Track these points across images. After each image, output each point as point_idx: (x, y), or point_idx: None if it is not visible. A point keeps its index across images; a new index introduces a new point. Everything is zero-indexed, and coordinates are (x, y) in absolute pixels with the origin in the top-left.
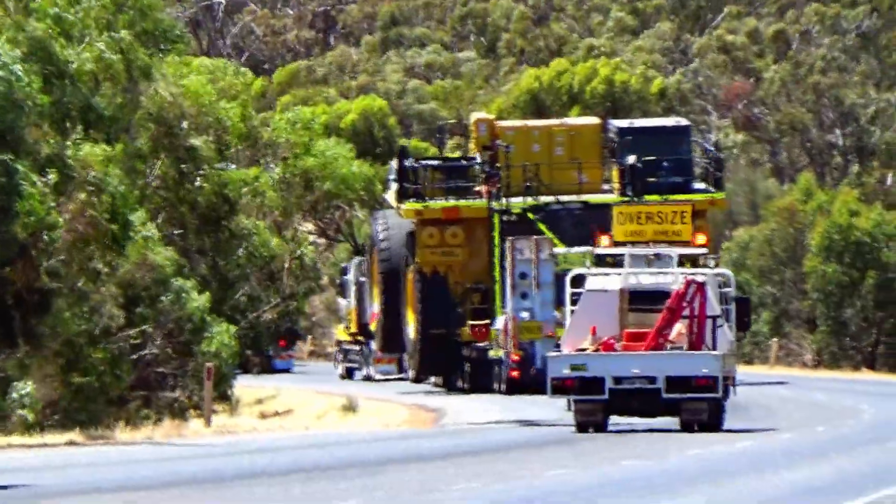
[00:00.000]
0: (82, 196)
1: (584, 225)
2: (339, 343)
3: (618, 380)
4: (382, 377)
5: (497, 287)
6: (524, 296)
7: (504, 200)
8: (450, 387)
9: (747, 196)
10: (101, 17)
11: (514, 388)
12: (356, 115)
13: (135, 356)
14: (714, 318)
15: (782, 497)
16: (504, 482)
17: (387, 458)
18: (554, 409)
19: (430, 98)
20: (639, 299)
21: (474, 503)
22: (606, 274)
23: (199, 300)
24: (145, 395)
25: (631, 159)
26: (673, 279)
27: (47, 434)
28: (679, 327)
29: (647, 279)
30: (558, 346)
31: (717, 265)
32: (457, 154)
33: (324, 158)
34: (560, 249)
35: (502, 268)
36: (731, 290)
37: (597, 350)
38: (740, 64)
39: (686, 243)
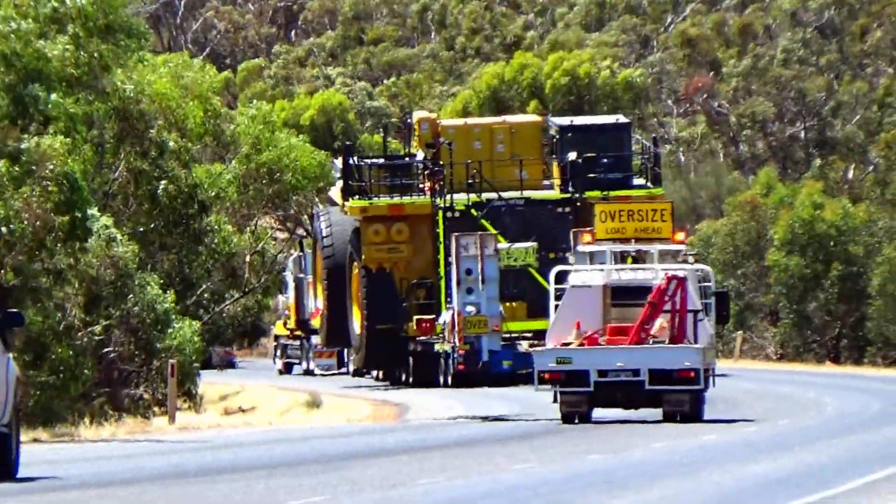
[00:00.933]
0: (38, 189)
1: (526, 221)
2: (276, 338)
3: (602, 372)
4: (322, 372)
5: (442, 282)
6: (470, 291)
7: (447, 197)
8: (392, 380)
9: (711, 189)
10: (63, 13)
11: (461, 381)
12: (315, 111)
13: (99, 353)
14: (695, 312)
15: (745, 489)
16: (468, 476)
17: (350, 454)
18: (517, 404)
19: (389, 93)
20: (620, 295)
21: (438, 497)
22: (588, 270)
23: (162, 295)
24: (109, 393)
25: (571, 156)
26: (653, 275)
27: None
28: (660, 322)
29: (628, 275)
30: (507, 340)
31: (696, 261)
32: (401, 152)
33: (281, 151)
34: (503, 245)
35: (447, 263)
36: (711, 285)
37: (581, 344)
38: (703, 57)
39: (666, 240)
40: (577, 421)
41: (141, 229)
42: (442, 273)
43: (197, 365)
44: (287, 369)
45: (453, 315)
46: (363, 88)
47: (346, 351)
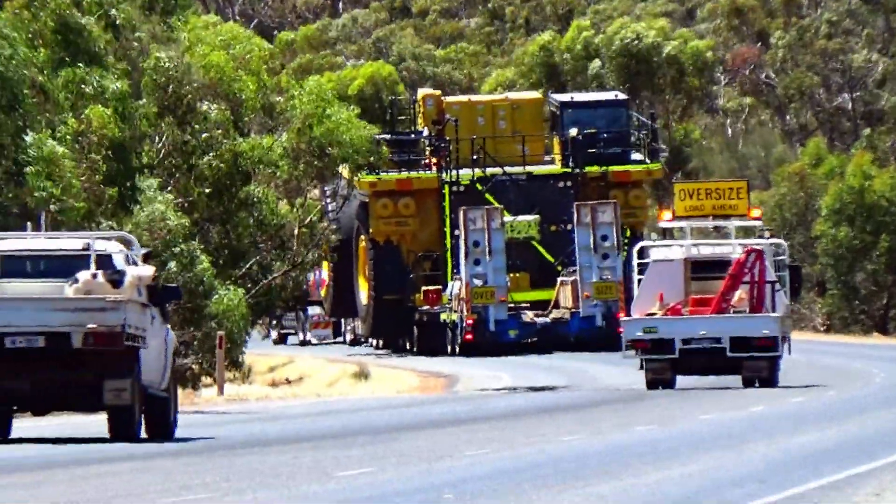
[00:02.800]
0: (86, 162)
1: (529, 195)
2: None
3: (686, 340)
4: (318, 341)
5: (448, 254)
6: (477, 262)
7: (453, 172)
8: (394, 349)
9: (759, 160)
10: None
11: (468, 350)
12: (363, 81)
13: None
14: (772, 283)
15: (791, 461)
16: (514, 448)
17: (398, 425)
18: (564, 376)
19: (440, 63)
20: (699, 268)
21: (485, 468)
22: (669, 245)
23: (207, 265)
24: None
25: (572, 132)
26: (730, 249)
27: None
28: (739, 293)
29: (706, 249)
30: (512, 310)
31: (771, 236)
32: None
33: (333, 124)
34: (507, 218)
35: (453, 236)
36: (785, 259)
37: (665, 314)
38: (749, 28)
39: (742, 216)
40: (660, 388)
41: (185, 199)
42: (448, 245)
43: (244, 334)
44: (282, 340)
45: (461, 286)
46: (416, 56)
47: (342, 321)
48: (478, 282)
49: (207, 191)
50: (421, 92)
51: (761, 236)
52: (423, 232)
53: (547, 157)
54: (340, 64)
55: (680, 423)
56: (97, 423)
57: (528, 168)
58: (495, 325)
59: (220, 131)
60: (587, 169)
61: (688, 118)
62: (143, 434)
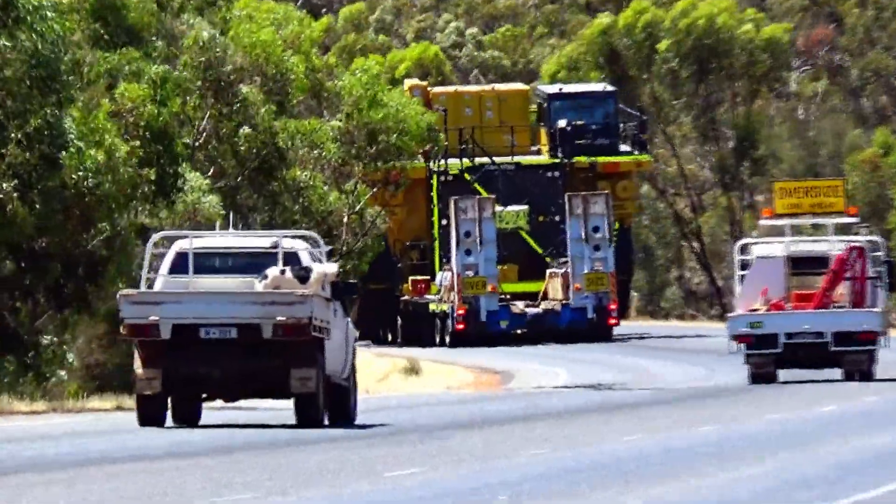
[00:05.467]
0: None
1: (517, 185)
2: None
3: (790, 335)
4: None
5: (436, 244)
6: (468, 253)
7: (441, 162)
8: (375, 340)
9: (830, 147)
10: None
11: (459, 340)
12: (410, 64)
13: None
14: (873, 279)
15: (865, 461)
16: (573, 447)
17: (451, 423)
18: (626, 373)
19: (489, 46)
20: (799, 264)
21: (542, 468)
22: (770, 242)
23: None
24: None
25: (561, 123)
26: (830, 246)
27: (93, 399)
28: (840, 288)
29: (806, 246)
30: (503, 300)
31: (870, 233)
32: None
33: (388, 110)
34: (497, 208)
35: (441, 226)
36: (882, 254)
37: (769, 310)
38: (822, 9)
39: (839, 214)
40: (763, 382)
41: (225, 184)
42: (436, 235)
43: None
44: None
45: (452, 276)
46: (473, 37)
47: None
48: (469, 272)
49: (247, 175)
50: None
51: (858, 233)
52: (411, 221)
53: (534, 148)
54: (383, 46)
55: (745, 423)
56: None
57: (517, 158)
58: (486, 315)
59: (264, 110)
60: (575, 159)
61: (758, 103)
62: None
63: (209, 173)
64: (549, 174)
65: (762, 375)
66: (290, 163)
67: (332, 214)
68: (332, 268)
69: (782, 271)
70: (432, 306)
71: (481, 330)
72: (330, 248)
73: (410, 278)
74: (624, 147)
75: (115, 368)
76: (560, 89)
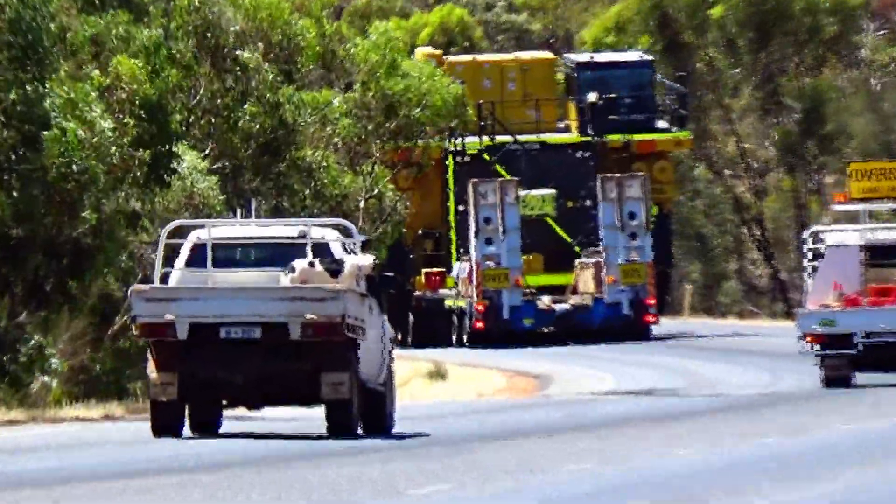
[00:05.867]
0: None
1: (543, 166)
2: None
3: (868, 334)
4: None
5: (452, 232)
6: (489, 241)
7: (458, 140)
8: None
9: None
10: None
11: (478, 340)
12: (433, 29)
13: None
14: None
15: None
16: (618, 462)
17: (481, 434)
18: (677, 376)
19: (522, 8)
20: (877, 254)
21: (584, 486)
22: (844, 230)
23: None
24: None
25: (592, 96)
26: None
27: (78, 407)
28: None
29: (885, 234)
30: (527, 295)
31: None
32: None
33: (410, 81)
34: (522, 192)
35: (458, 212)
36: None
37: (843, 306)
38: None
39: None
40: (838, 386)
41: (224, 165)
42: (452, 222)
43: None
44: None
45: (470, 267)
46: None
47: None
48: (489, 263)
49: (251, 154)
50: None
51: None
52: (424, 207)
53: (561, 125)
54: (402, 10)
55: (813, 434)
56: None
57: (542, 136)
58: (509, 312)
59: (270, 78)
60: (607, 138)
61: (825, 72)
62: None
63: (206, 153)
64: (579, 154)
65: (836, 379)
66: (300, 141)
67: (346, 199)
68: (367, 260)
69: (858, 262)
70: (448, 302)
71: (503, 328)
72: (365, 237)
73: (423, 271)
74: (662, 123)
75: (103, 372)
76: (590, 58)
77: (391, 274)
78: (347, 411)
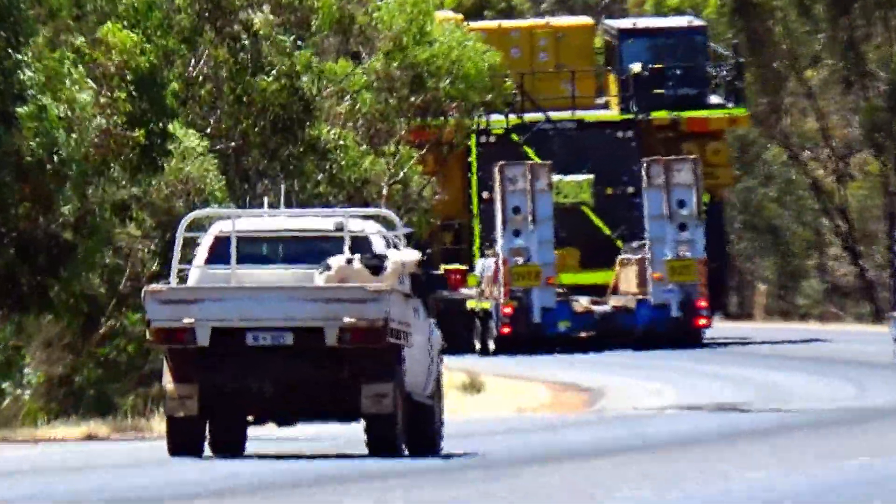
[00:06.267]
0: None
1: (579, 148)
2: None
3: None
4: None
5: (475, 223)
6: (517, 234)
7: (482, 118)
8: None
9: None
10: None
11: (505, 346)
12: None
13: None
14: None
15: None
16: (682, 487)
17: (522, 456)
18: (749, 388)
19: None
20: None
21: None
22: None
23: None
24: None
25: (636, 67)
26: None
27: (56, 424)
28: None
29: None
30: (561, 295)
31: None
32: None
33: (440, 47)
34: (553, 177)
35: (481, 200)
36: None
37: None
38: None
39: None
40: None
41: (226, 145)
42: (475, 212)
43: None
44: None
45: (496, 264)
46: None
47: None
48: (518, 259)
49: (259, 132)
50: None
51: None
52: (444, 194)
53: (600, 100)
54: None
55: None
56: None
57: (578, 114)
58: (541, 314)
59: (288, 42)
60: (653, 115)
61: None
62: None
63: (207, 131)
64: (620, 134)
65: None
66: (317, 118)
67: (367, 184)
68: (412, 255)
69: None
70: (470, 303)
71: (534, 333)
72: (409, 230)
73: (442, 267)
74: (715, 98)
75: (86, 384)
76: (634, 24)
77: (439, 271)
78: (391, 427)
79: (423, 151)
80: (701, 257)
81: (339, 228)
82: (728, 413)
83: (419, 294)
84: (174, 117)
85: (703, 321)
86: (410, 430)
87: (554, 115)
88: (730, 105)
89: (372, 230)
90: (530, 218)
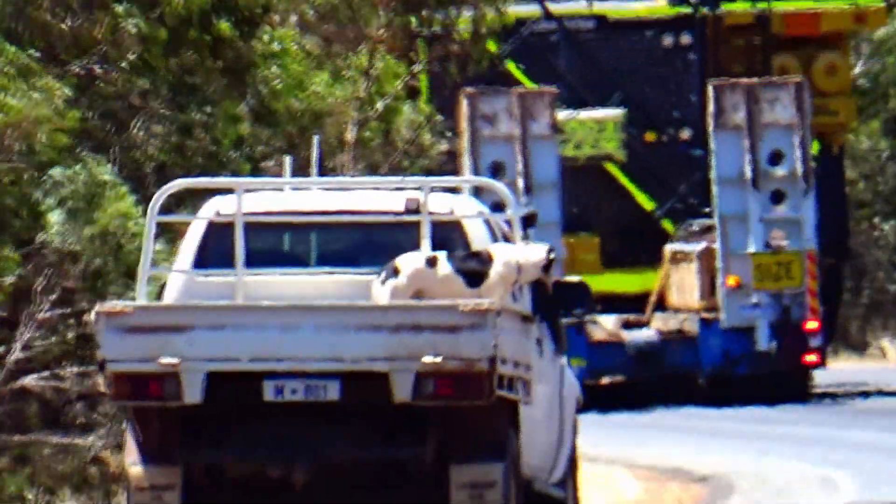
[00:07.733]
0: None
1: (602, 63)
2: None
3: None
4: None
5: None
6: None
7: (439, 16)
8: None
9: None
10: None
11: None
12: None
13: None
14: None
15: None
16: None
17: None
18: None
19: None
20: None
21: None
22: None
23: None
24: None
25: None
26: None
27: None
28: None
29: None
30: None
31: None
32: None
33: None
34: (562, 113)
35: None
36: None
37: None
38: None
39: None
40: None
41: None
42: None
43: None
44: None
45: None
46: None
47: None
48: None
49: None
50: None
51: None
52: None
53: None
54: None
55: None
56: None
57: (600, 5)
58: None
59: None
60: (726, 7)
61: None
62: None
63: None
64: (671, 40)
65: None
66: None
67: (321, 120)
68: (534, 253)
69: None
70: None
71: None
72: (528, 209)
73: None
74: None
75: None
76: None
77: (579, 280)
78: None
79: (415, 68)
80: (810, 249)
81: (415, 209)
82: None
83: (545, 317)
84: None
85: (811, 357)
86: None
87: (558, 7)
88: None
89: (468, 211)
90: (521, 182)
